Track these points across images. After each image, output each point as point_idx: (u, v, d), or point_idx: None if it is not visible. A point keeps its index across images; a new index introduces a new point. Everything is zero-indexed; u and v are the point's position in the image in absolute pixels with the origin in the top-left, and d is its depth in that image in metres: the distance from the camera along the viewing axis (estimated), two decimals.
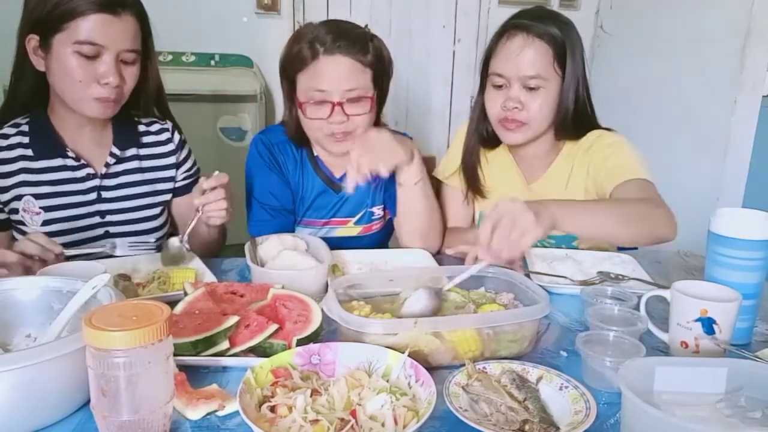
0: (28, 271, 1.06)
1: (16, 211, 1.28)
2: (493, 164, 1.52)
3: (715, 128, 2.49)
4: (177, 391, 0.75)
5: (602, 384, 0.84)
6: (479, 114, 1.46)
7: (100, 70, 1.19)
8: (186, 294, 0.98)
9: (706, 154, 2.54)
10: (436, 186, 1.68)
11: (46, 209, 1.29)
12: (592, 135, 1.44)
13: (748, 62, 2.37)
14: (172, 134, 1.43)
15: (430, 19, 3.21)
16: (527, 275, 1.12)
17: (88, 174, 1.32)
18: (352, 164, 1.23)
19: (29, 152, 1.28)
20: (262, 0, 2.98)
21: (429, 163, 1.75)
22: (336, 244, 1.32)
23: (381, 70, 1.38)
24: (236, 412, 0.74)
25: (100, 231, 1.34)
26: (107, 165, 1.34)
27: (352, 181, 1.24)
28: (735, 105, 2.41)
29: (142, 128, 1.40)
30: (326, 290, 1.05)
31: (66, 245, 1.18)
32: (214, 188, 1.22)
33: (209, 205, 1.21)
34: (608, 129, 1.46)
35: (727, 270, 0.98)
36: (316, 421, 0.70)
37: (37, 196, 1.28)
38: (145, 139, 1.40)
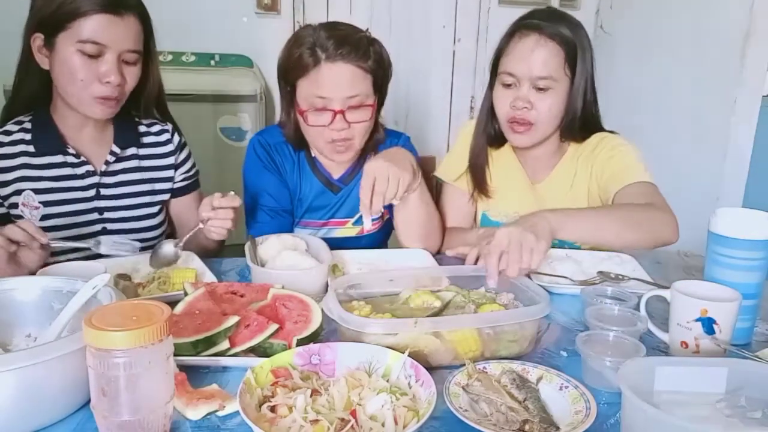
0: (12, 259, 1.06)
1: (15, 205, 1.29)
2: (498, 164, 1.51)
3: (715, 128, 2.49)
4: (177, 391, 0.75)
5: (602, 384, 0.84)
6: (487, 113, 1.46)
7: (101, 69, 1.21)
8: (186, 294, 0.98)
9: (706, 154, 2.54)
10: (437, 186, 1.68)
11: (46, 204, 1.30)
12: (596, 137, 1.44)
13: (748, 62, 2.37)
14: (172, 136, 1.45)
15: (430, 19, 3.21)
16: (527, 275, 1.12)
17: (88, 171, 1.33)
18: (363, 204, 1.21)
19: (31, 148, 1.30)
20: (262, 0, 2.98)
21: (429, 163, 1.75)
22: (335, 244, 1.32)
23: (381, 74, 1.38)
24: (236, 412, 0.74)
25: (98, 227, 1.36)
26: (107, 163, 1.36)
27: (368, 220, 1.25)
28: (735, 105, 2.41)
29: (142, 129, 1.42)
30: (326, 290, 1.05)
31: (64, 240, 1.18)
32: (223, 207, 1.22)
33: (214, 221, 1.22)
34: (611, 132, 1.47)
35: (727, 270, 0.98)
36: (317, 421, 0.70)
37: (37, 191, 1.29)
38: (145, 140, 1.42)
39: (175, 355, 0.73)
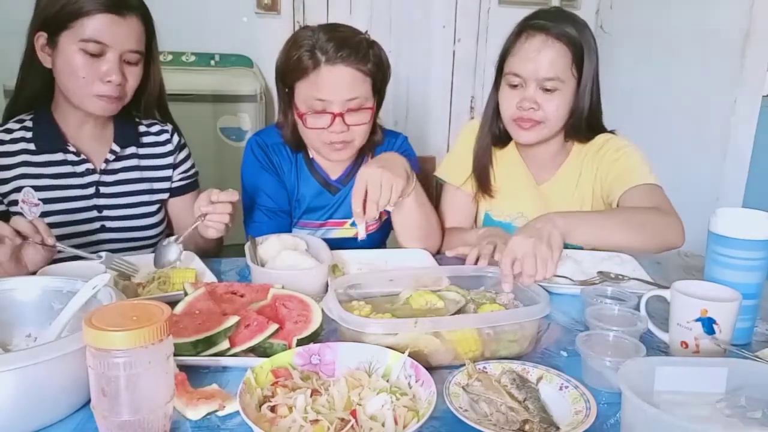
0: (15, 255, 1.06)
1: (15, 203, 1.30)
2: (502, 163, 1.51)
3: (715, 128, 2.49)
4: (177, 391, 0.75)
5: (602, 384, 0.84)
6: (493, 113, 1.45)
7: (103, 68, 1.22)
8: (186, 294, 0.98)
9: (706, 154, 2.54)
10: (437, 186, 1.68)
11: (45, 201, 1.31)
12: (602, 138, 1.44)
13: (748, 62, 2.37)
14: (171, 136, 1.45)
15: (430, 19, 3.21)
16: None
17: (88, 169, 1.34)
18: (355, 211, 1.21)
19: (31, 146, 1.30)
20: (262, 0, 2.98)
21: (429, 163, 1.75)
22: (333, 245, 1.32)
23: (380, 77, 1.38)
24: (236, 412, 0.74)
25: (97, 225, 1.36)
26: (107, 161, 1.36)
27: (362, 227, 1.24)
28: (735, 105, 2.41)
29: (142, 129, 1.43)
30: (326, 290, 1.05)
31: (63, 238, 1.18)
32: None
33: (212, 216, 1.21)
34: (612, 131, 1.47)
35: (727, 270, 0.98)
36: (317, 421, 0.70)
37: (37, 188, 1.30)
38: (145, 139, 1.42)
39: (175, 355, 0.73)
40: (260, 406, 0.74)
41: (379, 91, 1.39)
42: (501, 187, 1.50)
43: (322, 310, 0.92)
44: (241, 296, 1.01)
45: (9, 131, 1.31)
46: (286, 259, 1.17)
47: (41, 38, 1.24)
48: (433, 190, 1.70)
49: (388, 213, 1.43)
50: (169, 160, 1.44)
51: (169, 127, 1.46)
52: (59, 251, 1.12)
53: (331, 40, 1.30)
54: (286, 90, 1.39)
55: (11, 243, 1.04)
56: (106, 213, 1.37)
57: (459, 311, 0.99)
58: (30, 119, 1.32)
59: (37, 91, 1.32)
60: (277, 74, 1.40)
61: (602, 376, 0.84)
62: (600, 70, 1.40)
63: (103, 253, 1.14)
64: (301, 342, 0.87)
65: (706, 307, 0.90)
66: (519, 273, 1.02)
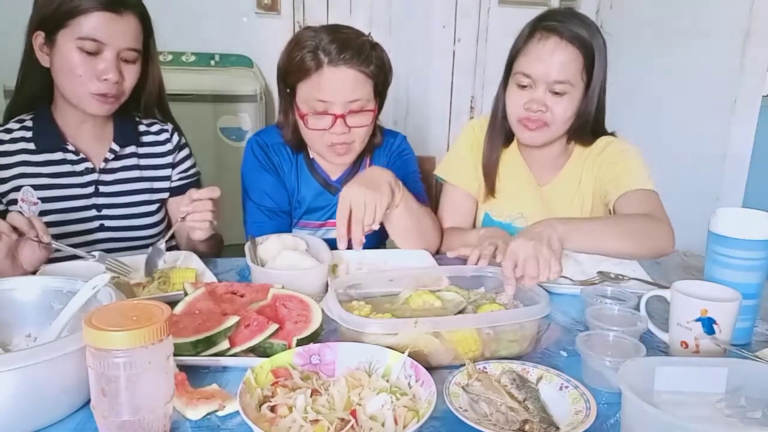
0: (11, 253, 1.05)
1: (14, 202, 1.30)
2: (503, 164, 1.51)
3: (715, 128, 2.49)
4: (177, 391, 0.75)
5: (602, 384, 0.84)
6: (501, 112, 1.44)
7: (100, 66, 1.22)
8: (186, 294, 0.98)
9: (706, 154, 2.54)
10: (437, 185, 1.68)
11: (44, 200, 1.31)
12: (603, 141, 1.45)
13: (748, 62, 2.37)
14: (171, 135, 1.45)
15: (430, 19, 3.21)
16: None
17: (87, 168, 1.34)
18: (339, 233, 1.18)
19: (31, 146, 1.31)
20: (262, 0, 2.98)
21: (429, 163, 1.75)
22: (334, 245, 1.32)
23: (382, 79, 1.38)
24: (236, 412, 0.74)
25: (96, 224, 1.37)
26: (106, 160, 1.36)
27: (343, 245, 1.19)
28: (735, 105, 2.41)
29: (142, 128, 1.43)
30: (326, 290, 1.05)
31: (62, 237, 1.18)
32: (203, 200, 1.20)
33: (193, 215, 1.20)
34: (612, 133, 1.47)
35: (727, 270, 0.98)
36: (317, 421, 0.70)
37: (36, 187, 1.30)
38: (145, 139, 1.42)
39: (175, 355, 0.73)
40: (260, 406, 0.74)
41: (380, 93, 1.39)
42: (502, 187, 1.50)
43: (322, 310, 0.92)
44: (241, 296, 1.00)
45: (9, 131, 1.31)
46: (286, 259, 1.17)
47: (39, 37, 1.24)
48: (433, 190, 1.71)
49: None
50: (168, 159, 1.44)
51: (169, 126, 1.45)
52: (55, 250, 1.11)
53: (333, 41, 1.29)
54: (288, 90, 1.39)
55: (7, 239, 1.04)
56: (105, 212, 1.37)
57: (460, 312, 0.99)
58: (30, 119, 1.33)
59: (36, 90, 1.32)
60: (278, 74, 1.39)
61: (602, 376, 0.84)
62: None
63: (96, 253, 1.14)
64: (301, 342, 0.87)
65: (706, 307, 0.90)
66: (521, 276, 1.02)
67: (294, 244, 1.25)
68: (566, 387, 0.81)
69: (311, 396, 0.74)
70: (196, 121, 2.57)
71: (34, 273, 1.06)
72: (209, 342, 0.86)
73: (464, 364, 0.85)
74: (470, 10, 3.23)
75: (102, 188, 1.36)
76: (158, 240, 1.46)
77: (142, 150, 1.41)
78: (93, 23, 1.20)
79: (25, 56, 1.29)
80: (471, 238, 1.40)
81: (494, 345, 0.91)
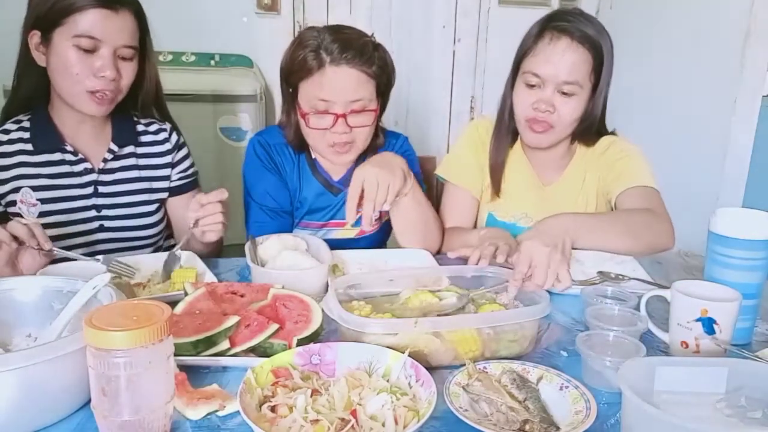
0: (11, 261, 1.06)
1: (13, 203, 1.30)
2: (507, 164, 1.51)
3: (715, 128, 2.49)
4: (177, 390, 0.75)
5: (602, 384, 0.84)
6: (509, 111, 1.44)
7: (97, 64, 1.22)
8: (186, 294, 0.98)
9: (706, 154, 2.54)
10: (437, 185, 1.68)
11: (43, 201, 1.30)
12: (606, 141, 1.45)
13: (748, 62, 2.37)
14: (170, 135, 1.45)
15: (430, 19, 3.21)
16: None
17: (86, 169, 1.34)
18: (348, 209, 1.20)
19: (29, 147, 1.30)
20: (262, 0, 2.98)
21: (429, 163, 1.75)
22: (334, 245, 1.32)
23: (385, 80, 1.38)
24: (236, 412, 0.74)
25: (96, 225, 1.36)
26: (105, 161, 1.36)
27: (352, 216, 1.22)
28: (735, 105, 2.41)
29: (140, 128, 1.42)
30: (326, 290, 1.05)
31: (61, 238, 1.18)
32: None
33: (205, 219, 1.21)
34: (612, 132, 1.47)
35: (727, 270, 0.98)
36: (317, 421, 0.70)
37: (34, 189, 1.30)
38: (143, 138, 1.42)
39: (176, 355, 0.73)
40: (260, 406, 0.74)
41: (383, 93, 1.39)
42: (506, 187, 1.50)
43: (323, 310, 0.92)
44: (242, 296, 1.00)
45: (6, 132, 1.31)
46: (286, 259, 1.17)
47: (35, 37, 1.23)
48: (434, 190, 1.70)
49: (388, 213, 1.43)
50: (167, 159, 1.44)
51: (167, 126, 1.45)
52: (57, 256, 1.11)
53: (336, 41, 1.30)
54: (290, 90, 1.39)
55: (8, 248, 1.04)
56: (104, 213, 1.37)
57: (460, 309, 0.99)
58: (27, 119, 1.32)
59: (32, 91, 1.31)
60: (281, 74, 1.40)
61: (602, 376, 0.84)
62: None
63: (100, 257, 1.14)
64: (302, 342, 0.87)
65: (706, 307, 0.90)
66: (528, 276, 1.03)
67: (294, 244, 1.25)
68: (566, 387, 0.81)
69: (311, 396, 0.75)
70: (196, 121, 2.57)
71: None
72: (209, 342, 0.86)
73: (464, 364, 0.85)
74: (470, 10, 3.23)
75: (101, 188, 1.36)
76: (159, 239, 1.46)
77: (140, 150, 1.41)
78: (89, 20, 1.19)
79: (20, 56, 1.28)
80: (472, 238, 1.40)
81: (494, 345, 0.91)
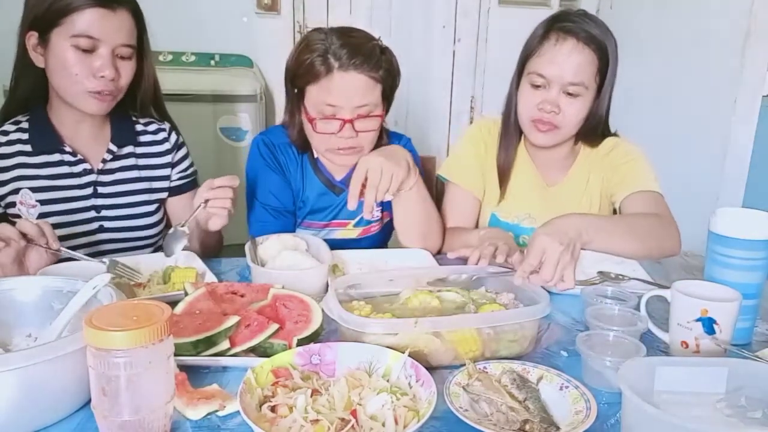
0: (18, 259, 1.06)
1: (12, 204, 1.29)
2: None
3: (715, 128, 2.49)
4: (177, 390, 0.75)
5: (602, 384, 0.84)
6: (515, 111, 1.44)
7: (95, 63, 1.22)
8: (186, 294, 0.98)
9: (706, 154, 2.54)
10: (437, 185, 1.68)
11: (43, 202, 1.30)
12: (610, 142, 1.45)
13: (748, 62, 2.37)
14: (169, 135, 1.45)
15: (430, 19, 3.21)
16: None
17: (85, 169, 1.34)
18: (351, 193, 1.21)
19: (28, 148, 1.30)
20: (262, 0, 2.98)
21: (429, 163, 1.75)
22: (336, 245, 1.32)
23: (390, 82, 1.38)
24: (237, 412, 0.74)
25: (95, 225, 1.36)
26: (104, 161, 1.36)
27: (353, 203, 1.23)
28: (735, 105, 2.41)
29: (139, 127, 1.42)
30: (326, 290, 1.05)
31: (61, 239, 1.18)
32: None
33: (213, 201, 1.21)
34: (614, 133, 1.47)
35: (727, 270, 0.98)
36: (317, 421, 0.70)
37: (34, 190, 1.30)
38: (142, 138, 1.42)
39: (176, 355, 0.73)
40: (260, 406, 0.74)
41: (388, 96, 1.40)
42: (509, 187, 1.50)
43: (323, 310, 0.92)
44: (242, 296, 1.00)
45: (5, 133, 1.30)
46: (286, 259, 1.17)
47: (32, 38, 1.23)
48: (434, 190, 1.70)
49: (390, 214, 1.43)
50: (167, 158, 1.44)
51: (166, 125, 1.45)
52: (64, 256, 1.12)
53: (344, 46, 1.29)
54: (296, 91, 1.38)
55: (16, 245, 1.05)
56: (104, 213, 1.36)
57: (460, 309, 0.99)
58: (26, 120, 1.32)
59: (30, 91, 1.31)
60: (286, 75, 1.39)
61: (602, 376, 0.84)
62: None
63: (106, 259, 1.15)
64: (302, 342, 0.87)
65: (706, 307, 0.90)
66: (536, 270, 1.03)
67: (294, 244, 1.25)
68: (566, 387, 0.81)
69: (311, 396, 0.75)
70: (196, 121, 2.58)
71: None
72: (209, 342, 0.86)
73: (464, 364, 0.85)
74: (470, 10, 3.23)
75: (101, 189, 1.36)
76: (159, 239, 1.46)
77: (140, 150, 1.41)
78: (87, 20, 1.19)
79: (18, 57, 1.28)
80: (472, 238, 1.40)
81: (494, 345, 0.91)
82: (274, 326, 0.88)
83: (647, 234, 1.24)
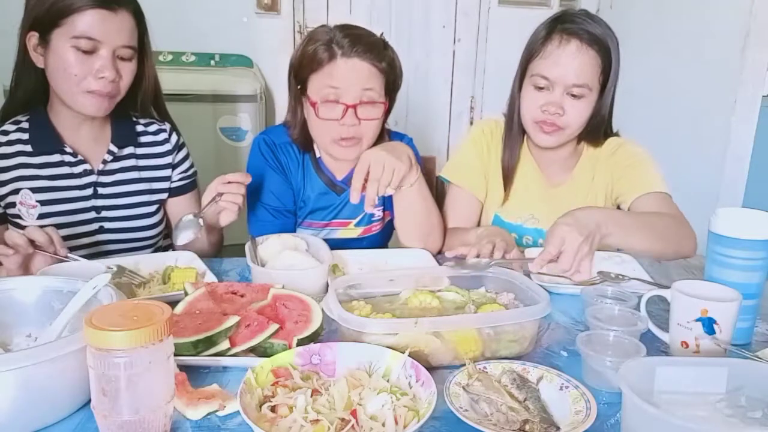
0: (24, 264, 1.07)
1: (13, 205, 1.29)
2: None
3: (715, 128, 2.49)
4: (177, 390, 0.75)
5: (602, 384, 0.84)
6: (518, 114, 1.44)
7: (96, 64, 1.21)
8: (186, 294, 0.98)
9: (706, 154, 2.54)
10: (437, 185, 1.68)
11: (43, 203, 1.30)
12: (614, 142, 1.46)
13: (748, 62, 2.37)
14: (170, 135, 1.44)
15: (430, 19, 3.21)
16: (527, 275, 1.12)
17: (85, 170, 1.34)
18: (354, 187, 1.22)
19: (28, 148, 1.30)
20: (262, 0, 2.98)
21: (429, 163, 1.75)
22: (337, 245, 1.32)
23: (393, 78, 1.39)
24: (237, 412, 0.74)
25: (96, 226, 1.36)
26: (104, 162, 1.36)
27: (356, 197, 1.24)
28: (735, 105, 2.41)
29: (140, 128, 1.42)
30: (326, 290, 1.05)
31: (62, 240, 1.19)
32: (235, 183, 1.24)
33: (226, 196, 1.23)
34: (616, 133, 1.47)
35: (727, 270, 0.98)
36: (317, 421, 0.70)
37: (34, 190, 1.30)
38: (143, 139, 1.42)
39: (176, 355, 0.73)
40: (260, 406, 0.74)
41: (390, 92, 1.40)
42: (512, 188, 1.50)
43: (323, 310, 0.92)
44: (242, 296, 1.01)
45: (5, 133, 1.30)
46: (286, 259, 1.17)
47: (33, 38, 1.23)
48: (434, 190, 1.70)
49: (392, 215, 1.43)
50: (168, 159, 1.44)
51: (167, 126, 1.45)
52: (70, 259, 1.12)
53: (348, 36, 1.32)
54: (299, 87, 1.39)
55: (24, 252, 1.05)
56: (104, 214, 1.36)
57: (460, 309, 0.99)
58: (26, 120, 1.31)
59: (30, 92, 1.30)
60: (290, 70, 1.40)
61: (602, 376, 0.84)
62: None
63: (114, 265, 1.15)
64: (302, 342, 0.87)
65: (706, 307, 0.90)
66: (554, 259, 1.04)
67: (294, 244, 1.25)
68: (567, 387, 0.81)
69: (312, 396, 0.75)
70: (196, 121, 2.58)
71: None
72: (210, 342, 0.86)
73: (464, 364, 0.85)
74: (470, 10, 3.23)
75: (101, 190, 1.35)
76: (159, 239, 1.46)
77: (140, 151, 1.41)
78: (87, 21, 1.19)
79: (18, 57, 1.28)
80: (470, 236, 1.40)
81: (494, 345, 0.91)
82: (274, 326, 0.88)
83: (666, 233, 1.23)
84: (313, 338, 0.89)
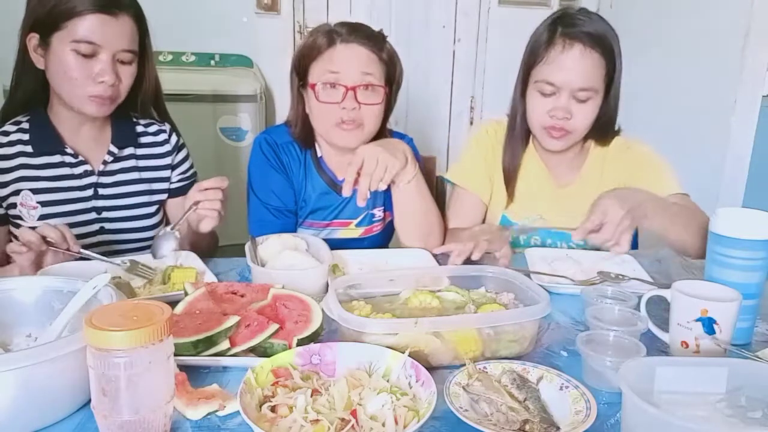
0: (36, 262, 1.07)
1: (14, 206, 1.29)
2: (521, 166, 1.50)
3: (715, 128, 2.49)
4: (177, 391, 0.75)
5: (602, 384, 0.84)
6: (522, 118, 1.44)
7: (96, 68, 1.21)
8: (186, 294, 0.98)
9: (706, 154, 2.54)
10: (437, 184, 1.68)
11: (44, 204, 1.30)
12: (621, 141, 1.46)
13: (748, 62, 2.37)
14: (170, 136, 1.45)
15: (430, 19, 3.21)
16: (527, 275, 1.12)
17: (86, 171, 1.34)
18: (347, 180, 1.23)
19: (29, 149, 1.30)
20: (262, 0, 2.98)
21: (429, 163, 1.75)
22: (337, 245, 1.32)
23: (393, 72, 1.40)
24: (237, 412, 0.74)
25: (96, 227, 1.36)
26: (105, 163, 1.36)
27: (348, 189, 1.25)
28: (735, 105, 2.41)
29: (140, 129, 1.42)
30: (326, 290, 1.05)
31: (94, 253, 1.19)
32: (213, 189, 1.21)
33: (204, 204, 1.20)
34: (617, 131, 1.47)
35: (727, 270, 0.98)
36: (317, 421, 0.70)
37: (35, 191, 1.30)
38: (143, 140, 1.42)
39: (176, 354, 0.73)
40: (260, 406, 0.74)
41: (390, 84, 1.40)
42: (520, 189, 1.50)
43: (323, 310, 0.92)
44: (242, 296, 1.01)
45: (6, 134, 1.30)
46: (286, 259, 1.17)
47: (33, 39, 1.23)
48: (434, 191, 1.70)
49: (392, 213, 1.43)
50: (168, 160, 1.44)
51: (167, 127, 1.45)
52: (83, 258, 1.12)
53: (346, 25, 1.35)
54: (300, 82, 1.39)
55: (37, 248, 1.06)
56: (105, 215, 1.36)
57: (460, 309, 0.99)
58: (26, 121, 1.31)
59: (30, 92, 1.30)
60: (292, 65, 1.42)
61: (602, 376, 0.84)
62: None
63: (127, 260, 1.15)
64: (302, 342, 0.87)
65: (706, 307, 0.90)
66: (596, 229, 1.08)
67: (294, 244, 1.25)
68: (567, 387, 0.81)
69: (312, 396, 0.75)
70: (196, 121, 2.58)
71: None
72: (210, 342, 0.86)
73: (464, 364, 0.85)
74: (470, 10, 3.23)
75: (101, 191, 1.35)
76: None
77: (140, 151, 1.41)
78: (88, 25, 1.19)
79: (18, 57, 1.28)
80: (464, 235, 1.40)
81: (494, 345, 0.91)
82: (274, 326, 0.88)
83: (700, 227, 1.21)
84: (313, 338, 0.89)
